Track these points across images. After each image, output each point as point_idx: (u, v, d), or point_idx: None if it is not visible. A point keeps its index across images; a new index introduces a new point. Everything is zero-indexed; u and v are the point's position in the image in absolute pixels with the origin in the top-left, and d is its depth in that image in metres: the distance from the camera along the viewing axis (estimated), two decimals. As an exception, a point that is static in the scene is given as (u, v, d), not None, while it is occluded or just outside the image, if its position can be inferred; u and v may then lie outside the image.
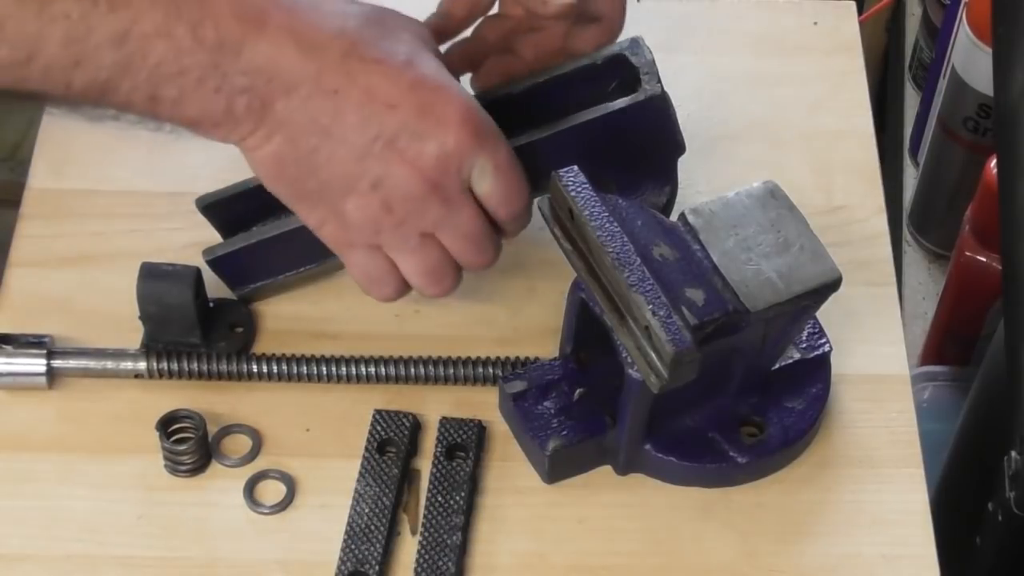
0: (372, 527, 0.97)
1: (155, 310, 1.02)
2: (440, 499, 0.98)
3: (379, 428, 1.01)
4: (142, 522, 0.98)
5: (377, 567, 0.95)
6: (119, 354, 1.03)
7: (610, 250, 0.92)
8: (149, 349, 1.03)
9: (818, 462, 1.02)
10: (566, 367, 1.02)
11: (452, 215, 0.94)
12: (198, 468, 1.00)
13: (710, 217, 0.97)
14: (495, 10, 1.02)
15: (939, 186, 1.72)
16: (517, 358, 1.04)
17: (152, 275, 1.01)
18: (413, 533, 0.98)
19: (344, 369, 1.03)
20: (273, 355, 1.04)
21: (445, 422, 1.01)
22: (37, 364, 1.02)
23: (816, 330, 1.03)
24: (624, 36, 1.09)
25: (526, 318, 1.08)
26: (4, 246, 1.09)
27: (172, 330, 1.03)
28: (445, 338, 1.06)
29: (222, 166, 1.12)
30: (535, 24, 1.01)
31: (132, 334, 1.04)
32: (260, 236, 1.03)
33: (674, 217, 0.99)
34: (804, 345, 1.03)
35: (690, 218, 0.97)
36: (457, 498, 0.98)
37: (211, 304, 1.05)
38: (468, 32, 1.03)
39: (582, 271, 0.95)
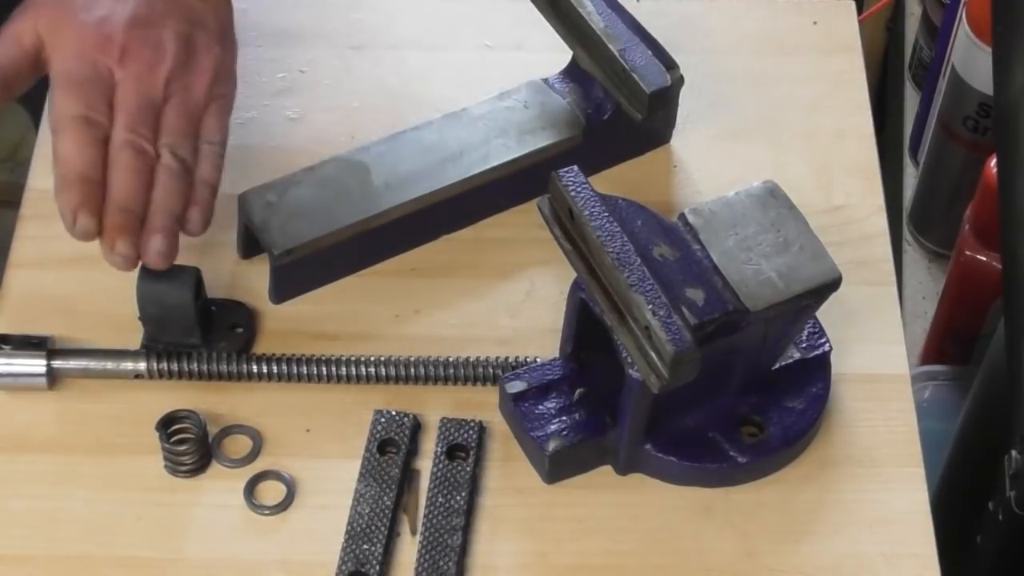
0: (372, 527, 0.97)
1: (155, 310, 1.02)
2: (440, 499, 0.98)
3: (379, 428, 1.01)
4: (142, 523, 0.98)
5: (377, 567, 0.95)
6: (119, 354, 1.03)
7: (610, 250, 0.92)
8: (149, 349, 1.03)
9: (818, 462, 1.02)
10: (566, 367, 1.02)
11: None
12: (198, 468, 1.00)
13: (710, 217, 0.97)
14: None
15: (939, 186, 1.72)
16: (517, 358, 1.04)
17: (152, 276, 1.01)
18: (413, 533, 0.98)
19: (344, 369, 1.03)
20: (273, 355, 1.04)
21: (445, 422, 1.01)
22: (37, 365, 1.02)
23: (816, 330, 1.03)
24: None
25: (526, 318, 1.08)
26: (4, 247, 1.09)
27: (172, 331, 1.03)
28: (445, 338, 1.06)
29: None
30: None
31: (132, 334, 1.04)
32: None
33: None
34: (804, 345, 1.03)
35: (690, 218, 0.97)
36: (457, 498, 0.98)
37: (211, 304, 1.05)
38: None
39: (582, 271, 0.95)
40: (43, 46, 0.99)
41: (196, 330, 1.03)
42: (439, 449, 1.00)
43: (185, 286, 1.01)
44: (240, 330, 1.05)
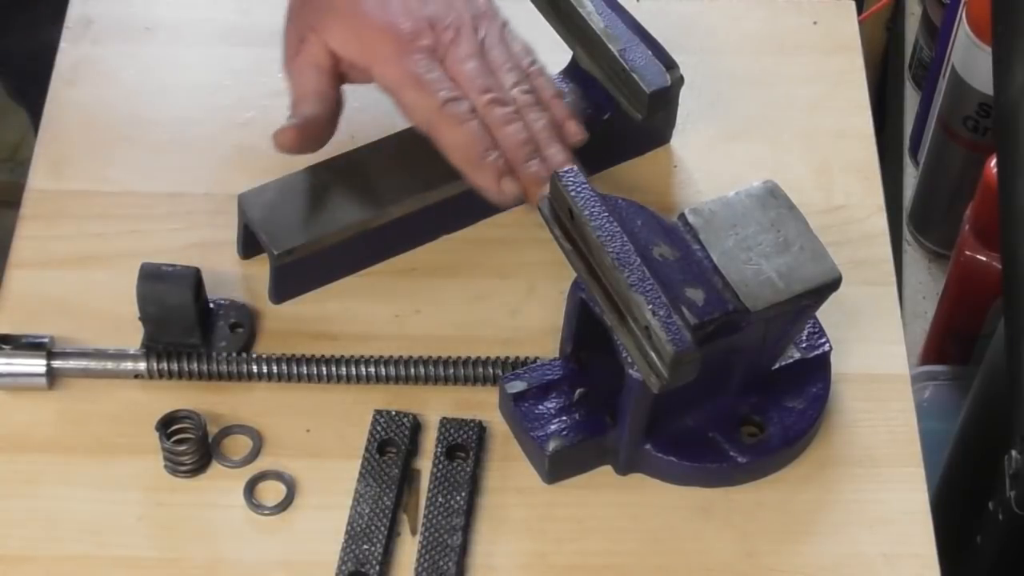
0: (372, 527, 0.97)
1: (155, 311, 1.02)
2: (440, 499, 0.98)
3: (379, 428, 1.01)
4: (142, 523, 0.98)
5: (377, 567, 0.95)
6: (119, 354, 1.03)
7: (610, 250, 0.92)
8: (149, 349, 1.03)
9: (818, 462, 1.02)
10: (566, 367, 1.02)
11: None
12: (198, 468, 1.00)
13: (710, 217, 0.97)
14: None
15: (939, 186, 1.72)
16: (517, 358, 1.04)
17: (152, 276, 1.01)
18: (413, 533, 0.98)
19: (344, 369, 1.03)
20: (273, 355, 1.04)
21: (445, 422, 1.01)
22: (37, 365, 1.02)
23: (816, 330, 1.03)
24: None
25: (526, 318, 1.08)
26: (4, 247, 1.09)
27: (172, 331, 1.03)
28: (445, 338, 1.06)
29: (221, 167, 1.12)
30: None
31: (132, 334, 1.04)
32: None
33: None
34: (804, 345, 1.03)
35: (690, 218, 0.97)
36: (457, 498, 0.98)
37: (211, 304, 1.05)
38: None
39: (582, 271, 0.95)
40: (341, 61, 1.01)
41: (196, 330, 1.03)
42: (439, 449, 1.00)
43: (185, 286, 1.01)
44: (240, 330, 1.05)
